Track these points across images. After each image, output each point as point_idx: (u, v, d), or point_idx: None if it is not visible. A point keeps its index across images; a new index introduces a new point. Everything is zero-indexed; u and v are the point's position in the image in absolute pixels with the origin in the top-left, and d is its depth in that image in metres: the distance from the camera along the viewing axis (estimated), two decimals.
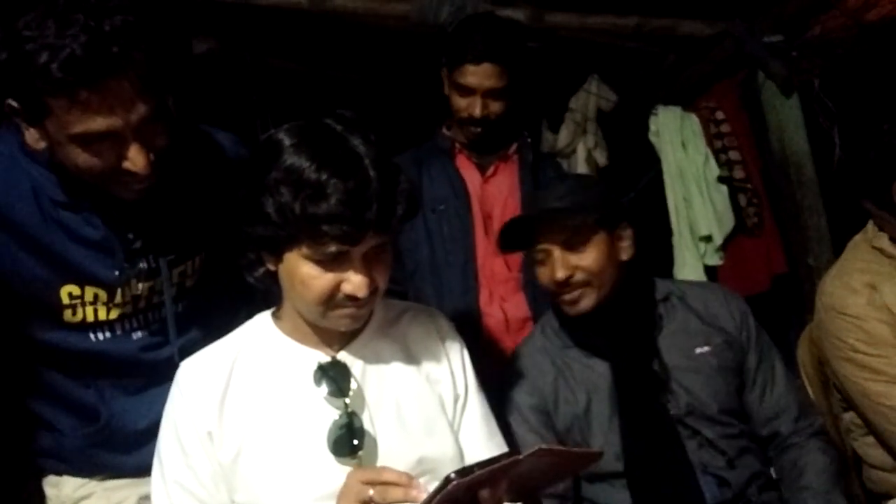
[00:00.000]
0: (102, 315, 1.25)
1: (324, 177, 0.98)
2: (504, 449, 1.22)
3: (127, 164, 1.09)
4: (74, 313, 1.23)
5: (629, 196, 3.10)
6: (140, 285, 1.26)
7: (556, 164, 2.31)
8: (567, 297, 1.46)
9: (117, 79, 1.02)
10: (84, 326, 1.25)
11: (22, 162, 1.17)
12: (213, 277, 1.37)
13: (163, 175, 1.16)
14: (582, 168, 2.93)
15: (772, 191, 2.75)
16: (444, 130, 2.01)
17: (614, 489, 1.44)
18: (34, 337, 1.26)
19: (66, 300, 1.21)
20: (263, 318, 1.20)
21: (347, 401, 1.11)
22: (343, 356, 1.15)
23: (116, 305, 1.25)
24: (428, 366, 1.22)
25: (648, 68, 2.92)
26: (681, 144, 2.83)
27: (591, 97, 2.93)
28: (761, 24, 2.53)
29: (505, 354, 1.75)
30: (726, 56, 2.67)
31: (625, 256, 1.51)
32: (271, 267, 1.10)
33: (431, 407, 1.18)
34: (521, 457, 0.91)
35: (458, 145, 1.98)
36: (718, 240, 2.75)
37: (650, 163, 2.94)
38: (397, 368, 1.19)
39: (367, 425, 1.11)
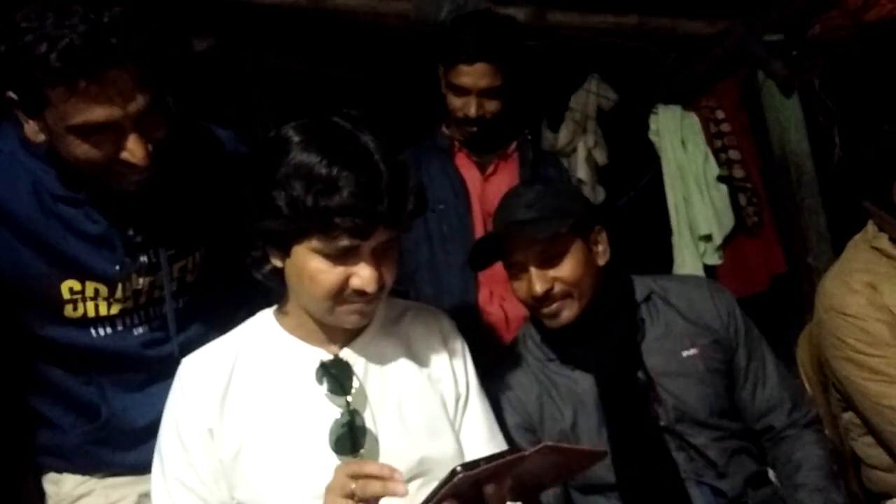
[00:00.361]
0: (103, 310, 1.25)
1: (335, 171, 0.98)
2: (504, 448, 1.23)
3: (125, 156, 1.09)
4: (75, 308, 1.23)
5: (629, 195, 3.10)
6: (141, 280, 1.26)
7: (556, 161, 2.29)
8: (546, 310, 1.41)
9: (116, 69, 1.02)
10: (85, 322, 1.25)
11: (22, 157, 1.17)
12: (213, 274, 1.37)
13: (162, 168, 1.15)
14: (582, 167, 2.93)
15: (772, 190, 2.75)
16: (444, 129, 2.00)
17: (608, 501, 1.42)
18: (35, 333, 1.26)
19: (66, 295, 1.21)
20: (266, 316, 1.20)
21: (349, 399, 1.11)
22: (345, 354, 1.15)
23: (117, 300, 1.25)
24: (430, 365, 1.22)
25: (649, 67, 2.92)
26: (681, 143, 2.83)
27: (592, 96, 2.93)
28: (762, 24, 2.53)
29: None
30: (727, 55, 2.66)
31: (601, 261, 1.46)
32: (278, 263, 1.10)
33: (433, 406, 1.18)
34: (526, 453, 0.91)
35: (457, 144, 1.96)
36: (718, 239, 2.76)
37: (650, 162, 2.94)
38: (399, 367, 1.19)
39: (368, 424, 1.11)
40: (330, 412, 1.10)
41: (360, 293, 1.05)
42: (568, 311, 1.41)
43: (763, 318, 1.57)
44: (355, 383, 1.12)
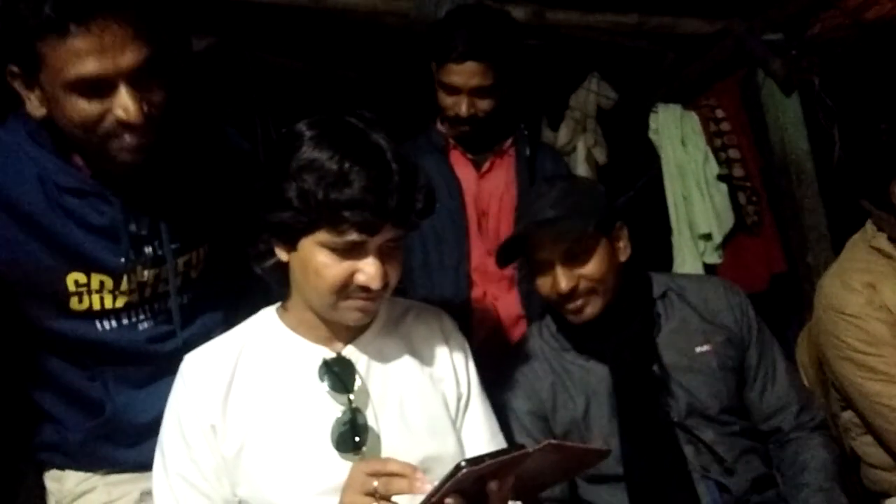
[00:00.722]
0: (109, 303, 1.25)
1: (346, 165, 1.00)
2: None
3: (119, 113, 1.08)
4: (81, 301, 1.23)
5: (629, 194, 3.10)
6: (146, 272, 1.26)
7: (555, 155, 2.22)
8: (571, 306, 1.43)
9: (108, 19, 1.03)
10: (91, 315, 1.25)
11: (28, 149, 1.17)
12: (217, 270, 1.37)
13: (163, 142, 1.15)
14: (581, 166, 2.92)
15: (771, 189, 2.75)
16: (438, 125, 1.95)
17: (614, 492, 1.43)
18: (41, 326, 1.26)
19: (72, 287, 1.21)
20: (269, 313, 1.20)
21: (352, 397, 1.11)
22: (348, 352, 1.16)
23: (122, 293, 1.25)
24: (432, 364, 1.22)
25: (648, 66, 2.92)
26: (680, 142, 2.83)
27: (591, 95, 2.93)
28: (761, 23, 2.53)
29: (498, 352, 1.71)
30: (726, 54, 2.66)
31: (623, 258, 1.48)
32: (283, 257, 1.11)
33: (435, 405, 1.19)
34: (530, 450, 0.92)
35: (451, 141, 1.92)
36: (718, 238, 2.75)
37: (650, 161, 2.94)
38: (401, 366, 1.19)
39: (370, 422, 1.12)
40: (332, 410, 1.11)
41: (365, 289, 1.06)
42: (592, 307, 1.43)
43: (763, 318, 1.57)
44: (357, 381, 1.13)
